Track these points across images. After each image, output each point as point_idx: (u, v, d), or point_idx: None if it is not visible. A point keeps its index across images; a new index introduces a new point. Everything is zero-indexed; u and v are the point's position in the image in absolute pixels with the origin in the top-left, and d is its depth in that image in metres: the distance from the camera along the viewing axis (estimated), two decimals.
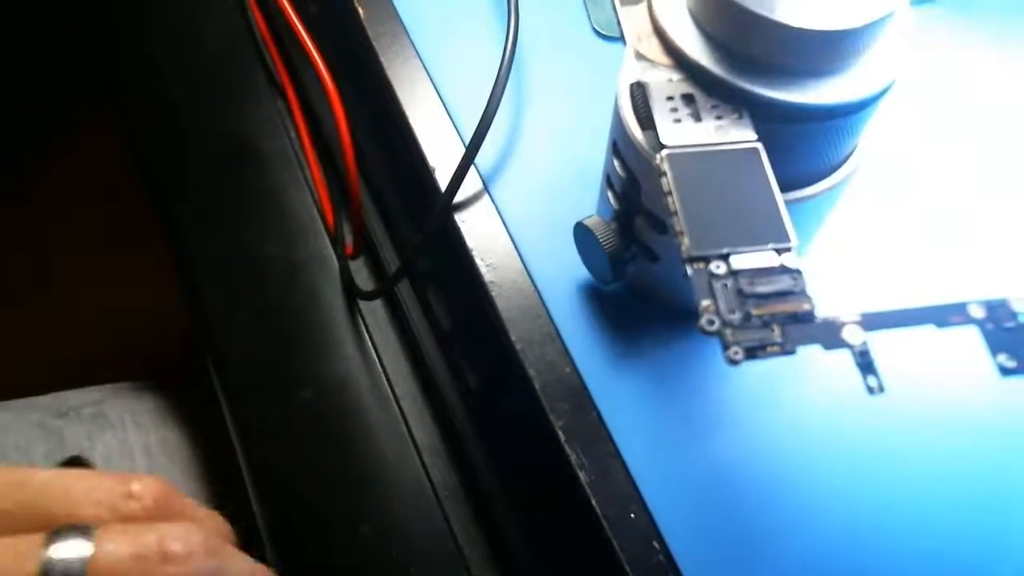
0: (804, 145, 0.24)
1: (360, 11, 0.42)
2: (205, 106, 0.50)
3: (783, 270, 0.19)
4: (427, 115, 0.38)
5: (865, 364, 0.18)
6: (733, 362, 0.18)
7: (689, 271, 0.20)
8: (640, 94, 0.23)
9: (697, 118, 0.22)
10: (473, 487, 0.38)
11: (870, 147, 0.27)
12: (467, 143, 0.34)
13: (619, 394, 0.31)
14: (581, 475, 0.29)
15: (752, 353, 0.18)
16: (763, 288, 0.19)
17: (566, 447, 0.30)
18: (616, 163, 0.27)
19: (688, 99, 0.23)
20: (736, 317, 0.19)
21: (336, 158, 0.45)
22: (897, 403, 0.30)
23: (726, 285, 0.19)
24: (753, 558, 0.27)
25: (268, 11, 0.49)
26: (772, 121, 0.22)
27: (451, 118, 0.38)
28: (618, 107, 0.26)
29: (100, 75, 0.55)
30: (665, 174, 0.21)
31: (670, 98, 0.23)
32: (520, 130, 0.38)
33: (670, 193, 0.21)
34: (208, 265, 0.47)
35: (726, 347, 0.18)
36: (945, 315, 0.19)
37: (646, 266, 0.30)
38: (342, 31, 0.44)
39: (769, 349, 0.18)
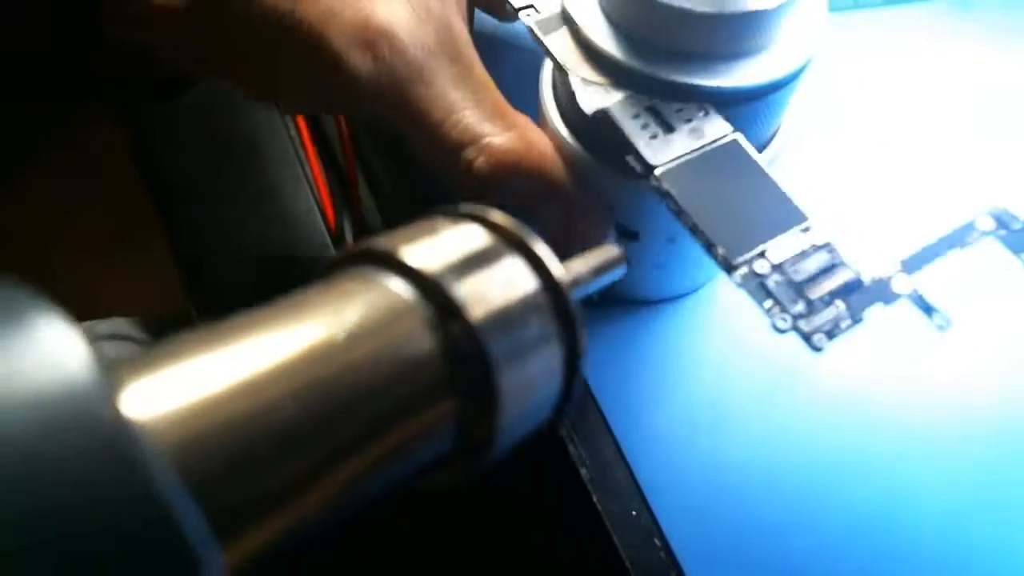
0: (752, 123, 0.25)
1: None
2: (205, 104, 0.49)
3: (816, 248, 0.21)
4: None
5: (925, 306, 0.20)
6: (819, 349, 0.20)
7: (737, 280, 0.21)
8: (607, 121, 0.24)
9: (669, 128, 0.23)
10: None
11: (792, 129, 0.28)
12: None
13: (621, 390, 0.31)
14: (582, 471, 0.29)
15: (831, 334, 0.20)
16: (807, 270, 0.21)
17: (567, 443, 0.30)
18: None
19: (652, 111, 0.24)
20: (801, 307, 0.20)
21: (337, 155, 0.45)
22: (899, 400, 0.30)
23: (777, 281, 0.21)
24: (754, 555, 0.27)
25: None
26: (730, 107, 0.24)
27: None
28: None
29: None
30: (669, 193, 0.22)
31: (636, 116, 0.23)
32: None
33: (681, 211, 0.22)
34: (208, 264, 0.47)
35: (808, 338, 0.20)
36: (963, 237, 0.21)
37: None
38: None
39: (843, 325, 0.20)
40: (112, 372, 0.12)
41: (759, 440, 0.29)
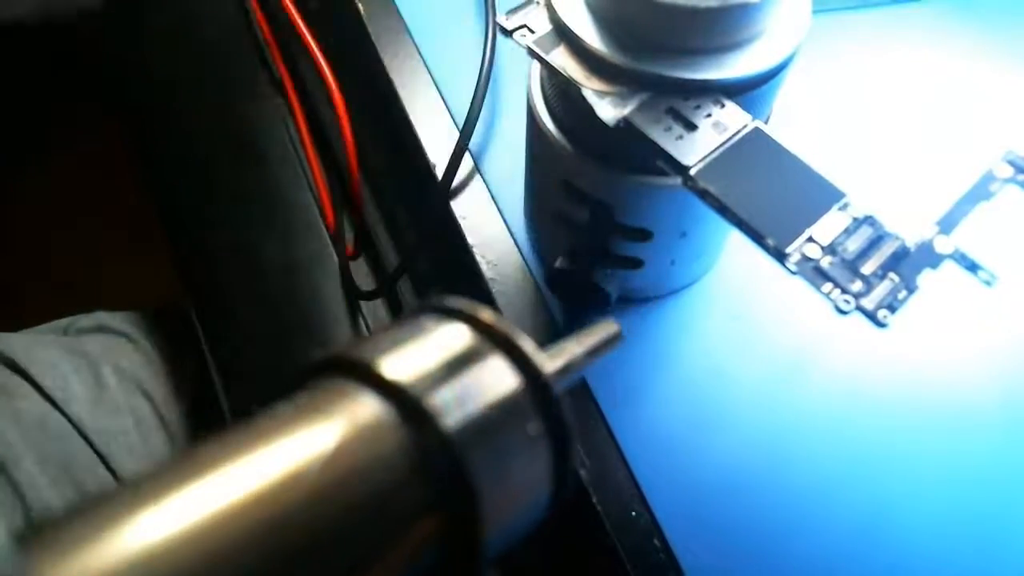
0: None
1: (360, 8, 0.42)
2: (205, 105, 0.50)
3: (858, 223, 0.22)
4: (427, 112, 0.39)
5: (969, 264, 0.21)
6: (884, 325, 0.21)
7: (792, 268, 0.22)
8: (630, 129, 0.24)
9: (691, 126, 0.24)
10: None
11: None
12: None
13: (621, 391, 0.31)
14: (582, 473, 0.30)
15: (892, 308, 0.21)
16: (855, 247, 0.22)
17: None
18: (573, 200, 0.28)
19: (672, 112, 0.24)
20: (860, 286, 0.21)
21: (337, 155, 0.46)
22: (900, 401, 0.31)
23: (831, 263, 0.22)
24: (753, 556, 0.28)
25: (269, 9, 0.49)
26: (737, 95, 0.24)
27: (450, 114, 0.38)
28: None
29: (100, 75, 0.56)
30: (708, 191, 0.23)
31: (658, 120, 0.24)
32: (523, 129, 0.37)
33: (724, 207, 0.23)
34: (208, 265, 0.48)
35: (872, 316, 0.21)
36: (985, 188, 0.22)
37: (628, 273, 0.31)
38: (342, 28, 0.44)
39: (900, 296, 0.21)
40: (27, 546, 0.12)
41: (759, 440, 0.30)
